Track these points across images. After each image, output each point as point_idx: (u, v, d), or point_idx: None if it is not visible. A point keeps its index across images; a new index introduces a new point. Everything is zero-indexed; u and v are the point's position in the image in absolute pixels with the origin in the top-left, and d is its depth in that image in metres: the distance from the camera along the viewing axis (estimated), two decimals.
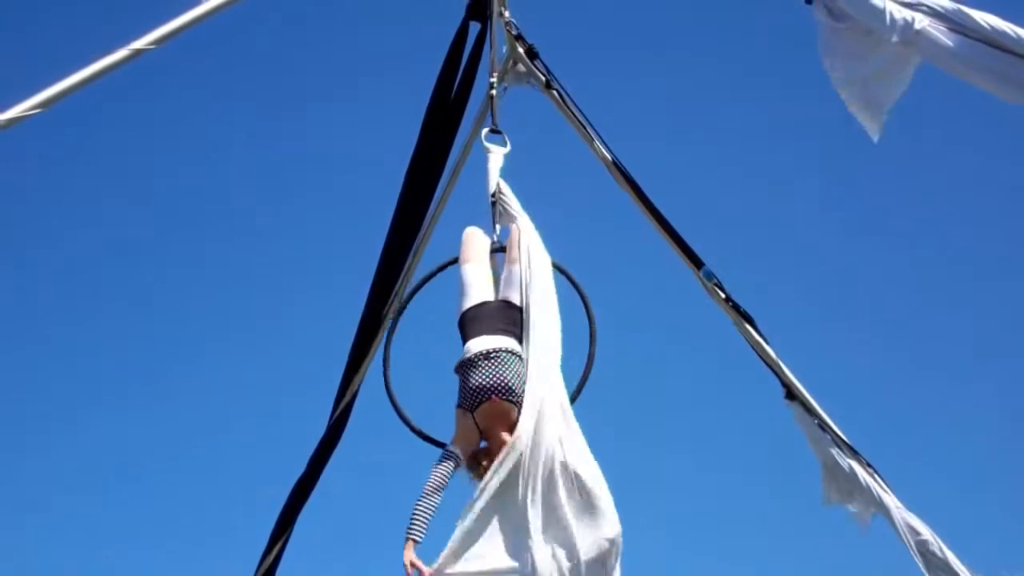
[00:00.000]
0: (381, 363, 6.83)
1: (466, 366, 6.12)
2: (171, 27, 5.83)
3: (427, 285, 7.09)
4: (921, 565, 6.50)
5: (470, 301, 6.52)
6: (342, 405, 7.27)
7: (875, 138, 6.06)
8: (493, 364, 6.06)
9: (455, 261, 6.87)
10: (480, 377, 6.02)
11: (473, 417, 6.01)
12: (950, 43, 5.26)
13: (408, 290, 7.09)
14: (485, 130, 7.31)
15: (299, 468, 7.22)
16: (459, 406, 6.10)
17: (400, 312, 7.04)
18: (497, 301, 6.59)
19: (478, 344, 6.19)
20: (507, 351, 6.13)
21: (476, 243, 6.92)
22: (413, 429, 6.56)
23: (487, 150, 7.21)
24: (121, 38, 5.71)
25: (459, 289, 6.73)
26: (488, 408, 5.98)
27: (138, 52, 5.73)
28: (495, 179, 7.13)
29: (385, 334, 6.96)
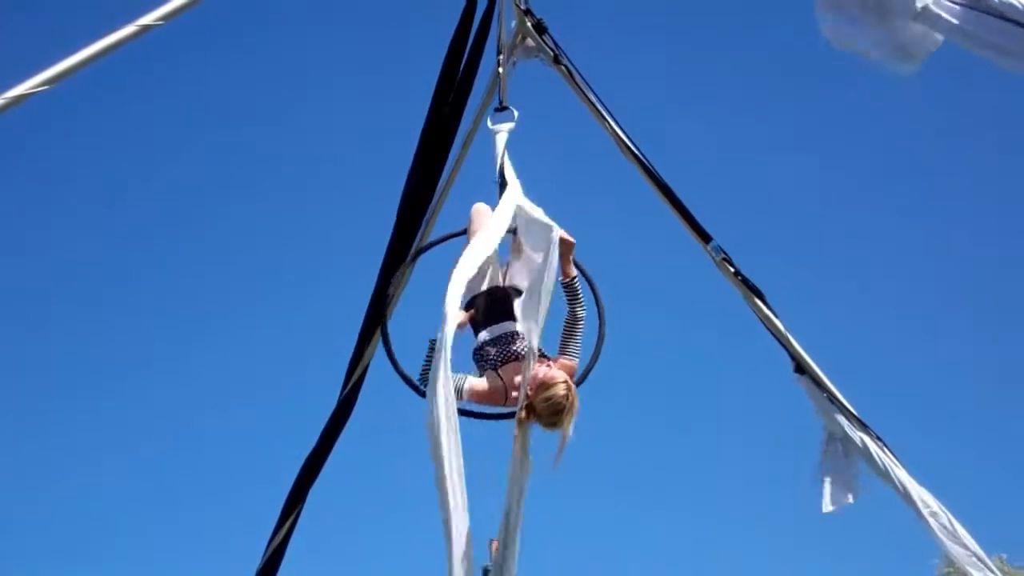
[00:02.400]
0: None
1: (482, 348, 6.46)
2: (179, 3, 5.82)
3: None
4: (933, 537, 6.53)
5: (479, 287, 6.67)
6: (353, 380, 7.31)
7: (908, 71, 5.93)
8: (501, 344, 6.41)
9: (463, 232, 6.90)
10: (495, 352, 6.37)
11: (498, 374, 6.33)
12: (958, 17, 5.27)
13: (408, 258, 7.13)
14: (491, 110, 7.31)
15: (310, 444, 7.28)
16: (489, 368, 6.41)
17: (400, 278, 7.08)
18: (504, 288, 6.73)
19: (485, 334, 6.49)
20: (509, 334, 6.43)
21: (486, 220, 6.93)
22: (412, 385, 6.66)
23: (494, 131, 7.22)
24: (128, 14, 5.72)
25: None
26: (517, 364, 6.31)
27: (146, 28, 5.73)
28: (501, 157, 7.15)
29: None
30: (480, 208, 6.97)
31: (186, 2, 5.83)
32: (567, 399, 6.02)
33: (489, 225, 6.45)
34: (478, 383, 6.27)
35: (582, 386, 6.47)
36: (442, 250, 7.12)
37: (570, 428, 6.07)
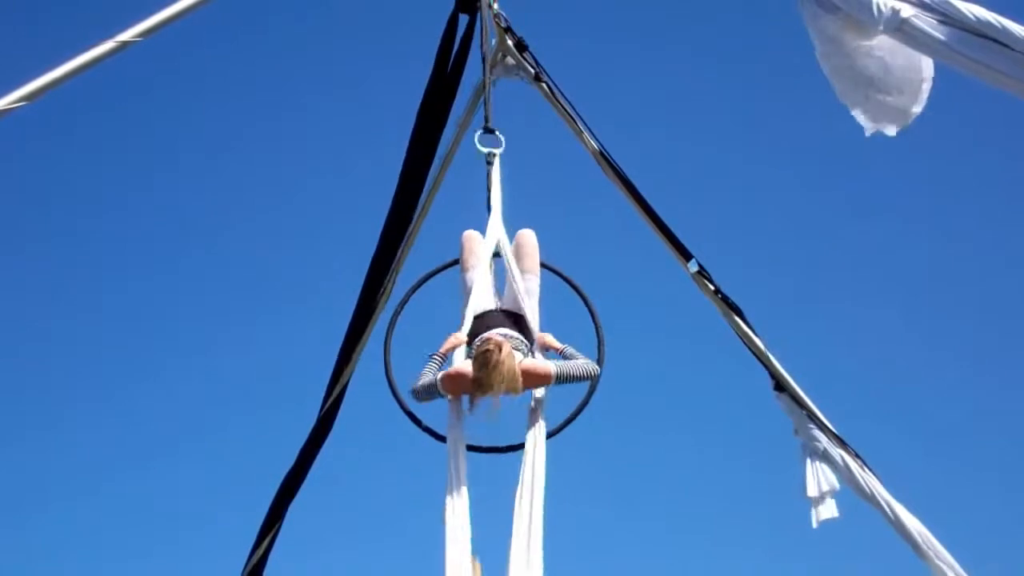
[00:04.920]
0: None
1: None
2: (157, 19, 5.81)
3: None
4: (914, 552, 6.55)
5: (474, 311, 6.86)
6: (332, 398, 7.26)
7: (869, 132, 6.24)
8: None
9: (456, 262, 7.01)
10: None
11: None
12: (936, 33, 5.33)
13: (409, 288, 7.16)
14: (478, 132, 7.33)
15: (288, 462, 7.23)
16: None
17: (401, 307, 7.10)
18: (499, 311, 6.85)
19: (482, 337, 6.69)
20: (501, 334, 6.65)
21: (476, 249, 7.01)
22: (414, 419, 6.69)
23: (487, 156, 7.26)
24: (107, 30, 5.70)
25: (462, 297, 6.85)
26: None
27: (124, 44, 5.72)
28: (490, 180, 7.20)
29: (386, 329, 7.07)
30: (470, 236, 7.06)
31: (164, 19, 5.82)
32: (497, 352, 6.29)
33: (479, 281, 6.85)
34: (450, 368, 6.50)
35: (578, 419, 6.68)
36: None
37: (498, 383, 6.32)
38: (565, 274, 7.21)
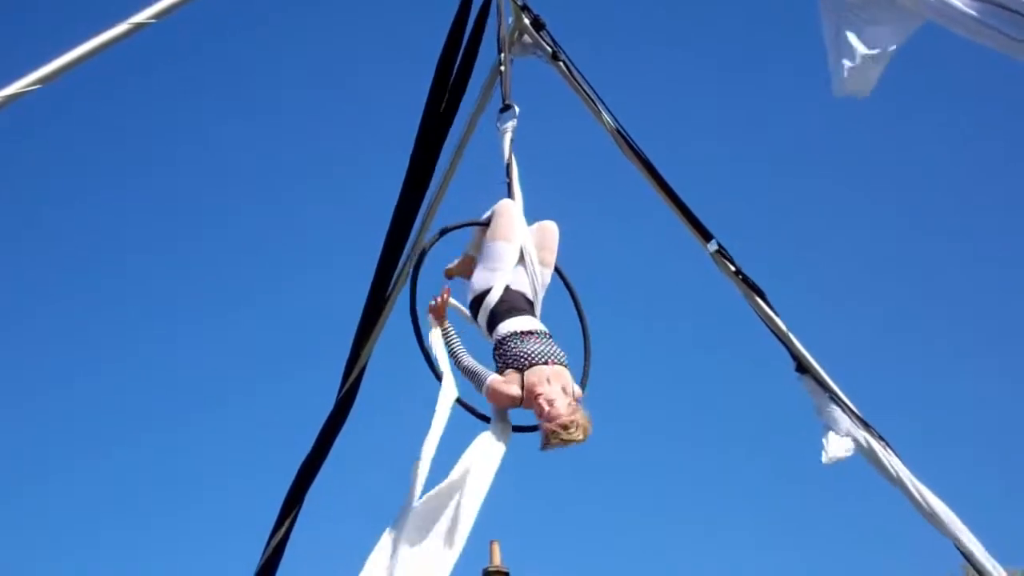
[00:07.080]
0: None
1: (519, 336, 6.47)
2: (171, 0, 5.79)
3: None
4: (941, 532, 6.54)
5: (500, 284, 6.71)
6: (351, 379, 7.25)
7: (837, 93, 6.04)
8: (545, 340, 6.47)
9: (481, 223, 6.92)
10: (538, 346, 6.40)
11: (522, 375, 6.32)
12: (959, 3, 5.28)
13: (431, 235, 7.07)
14: (498, 111, 7.29)
15: (308, 444, 7.23)
16: (508, 367, 6.39)
17: (424, 253, 7.03)
18: (522, 296, 6.76)
19: (529, 323, 6.57)
20: (532, 331, 6.51)
21: (517, 222, 6.95)
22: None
23: (502, 131, 7.22)
24: (121, 12, 5.70)
25: (485, 261, 6.80)
26: (546, 368, 6.34)
27: (138, 26, 5.71)
28: (508, 156, 7.17)
29: (411, 272, 6.96)
30: (507, 206, 6.97)
31: (179, 0, 5.80)
32: (583, 439, 6.19)
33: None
34: (501, 384, 6.33)
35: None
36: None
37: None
38: (564, 274, 7.16)
